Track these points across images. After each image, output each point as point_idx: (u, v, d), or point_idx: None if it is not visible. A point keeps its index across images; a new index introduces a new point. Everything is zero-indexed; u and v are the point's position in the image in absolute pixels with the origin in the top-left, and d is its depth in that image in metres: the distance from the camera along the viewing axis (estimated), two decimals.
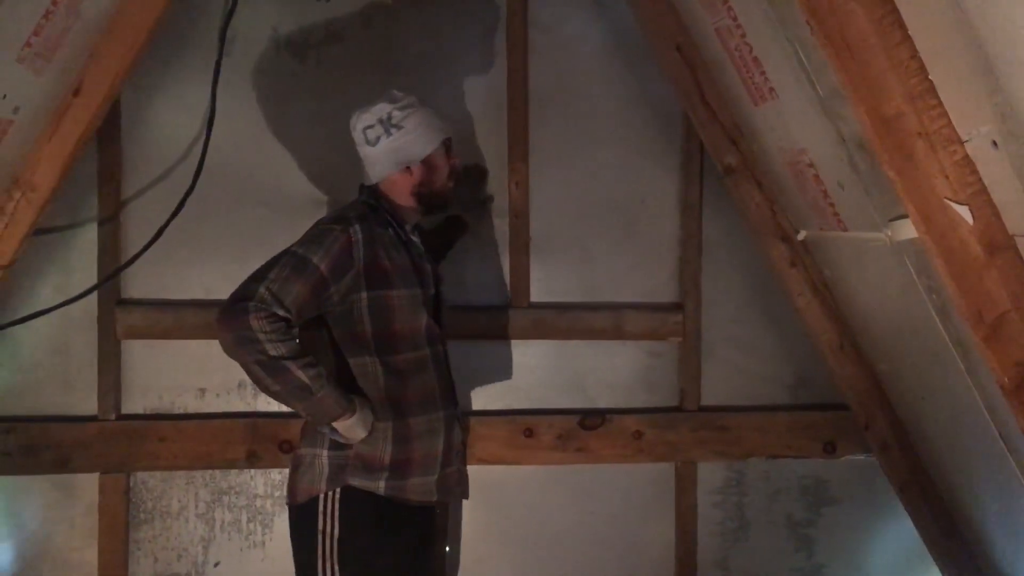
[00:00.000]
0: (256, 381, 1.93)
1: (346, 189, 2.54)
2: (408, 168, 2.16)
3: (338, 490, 2.04)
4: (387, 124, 2.15)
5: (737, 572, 2.86)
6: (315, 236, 2.02)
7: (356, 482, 2.04)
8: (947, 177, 1.56)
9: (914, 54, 1.52)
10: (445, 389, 2.19)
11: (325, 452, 2.06)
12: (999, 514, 2.38)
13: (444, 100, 2.67)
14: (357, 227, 2.03)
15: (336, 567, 2.02)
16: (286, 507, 2.61)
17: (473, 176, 2.68)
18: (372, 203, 2.16)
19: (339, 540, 2.02)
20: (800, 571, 2.88)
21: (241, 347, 1.87)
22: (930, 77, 1.53)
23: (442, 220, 2.59)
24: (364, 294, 2.03)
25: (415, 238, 2.21)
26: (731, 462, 2.83)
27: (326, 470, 2.05)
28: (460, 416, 2.27)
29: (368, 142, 2.16)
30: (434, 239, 2.50)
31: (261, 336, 1.85)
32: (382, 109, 2.15)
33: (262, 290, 1.88)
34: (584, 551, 2.81)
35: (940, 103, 1.53)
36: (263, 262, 1.97)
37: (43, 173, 2.31)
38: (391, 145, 2.15)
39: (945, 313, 1.97)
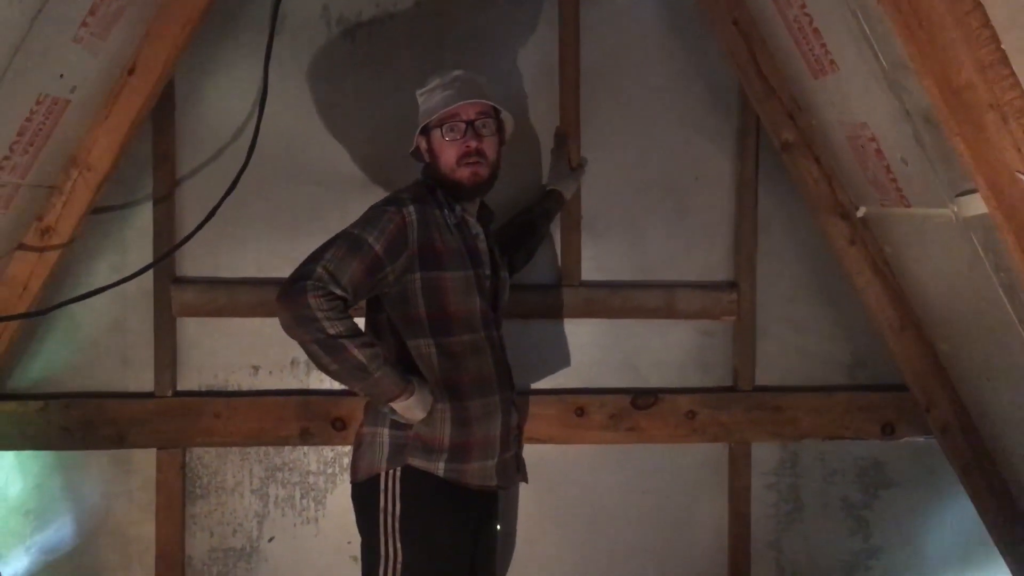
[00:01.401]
0: (315, 360, 1.94)
1: (397, 167, 2.54)
2: (422, 139, 2.17)
3: (398, 469, 2.04)
4: (422, 94, 2.20)
5: (791, 554, 2.82)
6: (370, 217, 2.02)
7: (416, 462, 2.04)
8: (1019, 150, 1.50)
9: (985, 22, 1.46)
10: (501, 373, 2.18)
11: (386, 431, 2.07)
12: None
13: (495, 77, 2.64)
14: (411, 208, 2.03)
15: (398, 544, 2.02)
16: (338, 483, 2.67)
17: (556, 142, 2.66)
18: (429, 183, 2.15)
19: (400, 518, 2.03)
20: (856, 554, 2.83)
21: (300, 326, 1.88)
22: (1002, 47, 1.47)
23: (540, 195, 2.59)
24: (418, 275, 2.02)
25: (471, 219, 2.18)
26: (786, 443, 2.79)
27: (386, 449, 2.06)
28: (516, 401, 2.25)
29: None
30: (534, 214, 2.53)
31: (319, 315, 1.85)
32: (433, 80, 2.17)
33: (319, 270, 1.89)
34: (636, 531, 2.79)
35: (1012, 73, 1.47)
36: (315, 241, 1.98)
37: (99, 152, 2.35)
38: (421, 111, 2.19)
39: (1013, 291, 1.91)
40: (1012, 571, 2.63)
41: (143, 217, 2.62)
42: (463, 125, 2.10)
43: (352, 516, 2.14)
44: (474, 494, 2.12)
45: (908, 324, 2.55)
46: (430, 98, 2.15)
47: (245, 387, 2.68)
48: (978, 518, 2.65)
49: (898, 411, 2.73)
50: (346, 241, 1.96)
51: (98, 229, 2.58)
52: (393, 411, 2.02)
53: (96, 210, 2.47)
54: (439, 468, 2.05)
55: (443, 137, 2.10)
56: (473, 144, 2.09)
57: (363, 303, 2.08)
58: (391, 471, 2.04)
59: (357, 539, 2.13)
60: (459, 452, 2.07)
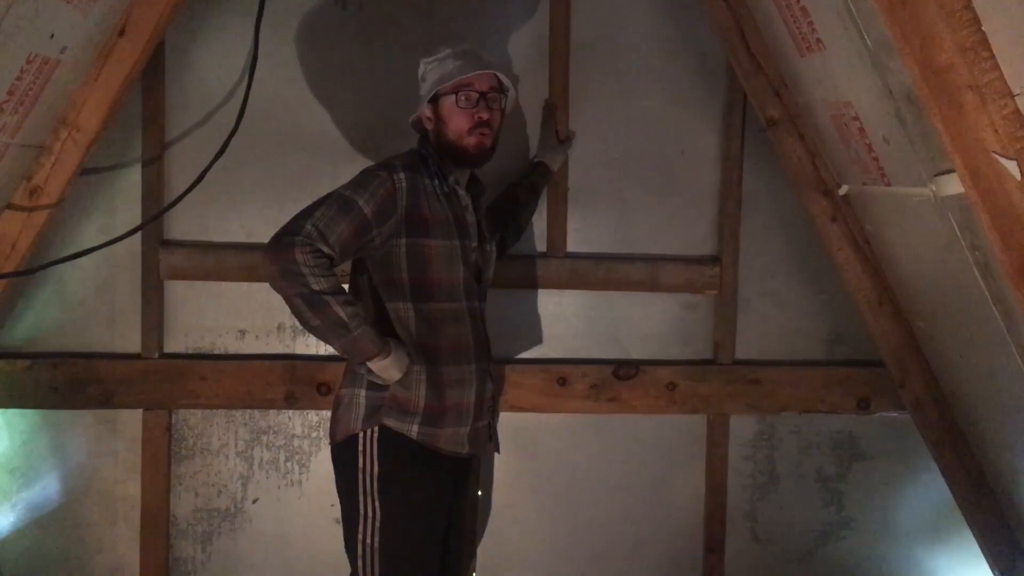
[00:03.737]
0: (297, 315, 1.97)
1: (387, 134, 2.56)
2: (429, 108, 2.20)
3: (375, 429, 2.08)
4: (431, 62, 2.22)
5: (765, 524, 2.88)
6: (361, 180, 2.06)
7: (391, 423, 2.08)
8: (996, 131, 1.54)
9: (967, 4, 1.49)
10: (479, 344, 2.21)
11: (363, 392, 2.10)
12: None
13: (486, 48, 2.66)
14: (402, 175, 2.06)
15: (376, 503, 2.07)
16: (322, 447, 2.70)
17: (544, 115, 2.68)
18: (423, 152, 2.19)
19: (378, 477, 2.07)
20: (829, 524, 2.89)
21: (285, 279, 1.91)
22: (983, 29, 1.50)
23: (528, 168, 2.62)
24: (403, 240, 2.06)
25: (461, 191, 2.20)
26: (763, 416, 2.84)
27: (362, 410, 2.10)
28: (492, 371, 2.29)
29: (421, 79, 2.25)
30: (521, 188, 2.56)
31: (305, 270, 1.89)
32: (443, 50, 2.21)
33: (308, 226, 1.92)
34: (614, 500, 2.84)
35: (992, 55, 1.50)
36: (304, 206, 2.00)
37: (89, 114, 2.34)
38: (425, 82, 2.23)
39: (988, 270, 1.95)
40: (980, 542, 2.70)
41: (132, 179, 2.62)
42: (476, 95, 2.15)
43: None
44: (447, 459, 2.16)
45: (885, 301, 2.60)
46: (441, 66, 2.19)
47: (231, 351, 2.71)
48: (948, 491, 2.71)
49: (873, 386, 2.78)
50: (336, 201, 1.99)
51: (87, 190, 2.59)
52: (370, 371, 2.06)
53: (85, 171, 2.47)
54: (413, 430, 2.09)
55: (456, 104, 2.15)
56: (485, 115, 2.16)
57: (347, 264, 2.11)
58: (368, 431, 2.08)
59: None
60: (432, 416, 2.10)
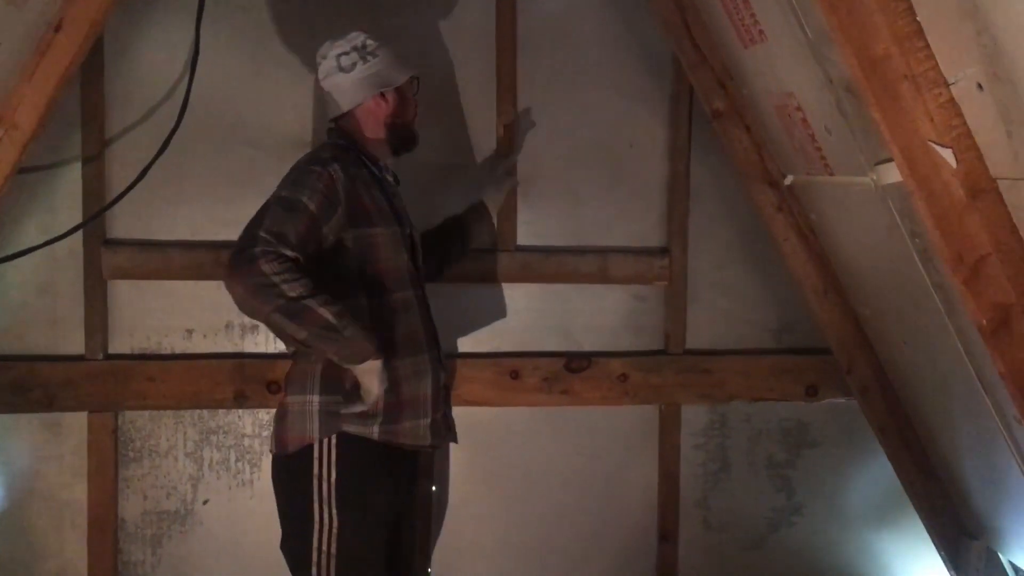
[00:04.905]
0: (280, 332, 1.90)
1: None
2: (383, 95, 2.19)
3: (333, 436, 2.02)
4: (362, 51, 2.19)
5: (718, 512, 2.91)
6: (297, 179, 2.02)
7: (351, 428, 2.03)
8: (932, 120, 1.56)
9: None
10: (428, 331, 2.19)
11: (316, 399, 2.04)
12: (976, 457, 2.43)
13: (431, 40, 2.65)
14: (336, 166, 2.04)
15: (334, 510, 2.01)
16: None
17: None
18: (343, 143, 2.17)
19: (336, 483, 2.01)
20: (780, 511, 2.93)
21: (257, 297, 1.82)
22: (918, 19, 1.52)
23: (465, 210, 2.59)
24: (350, 232, 2.03)
25: (389, 176, 2.22)
26: (714, 405, 2.86)
27: (317, 418, 2.03)
28: (444, 359, 2.28)
29: (342, 69, 2.17)
30: (452, 231, 2.55)
31: (276, 279, 1.81)
32: (356, 37, 2.20)
33: (263, 234, 1.85)
34: (568, 491, 2.85)
35: (927, 45, 1.53)
36: (249, 203, 1.97)
37: (25, 111, 2.28)
38: (368, 71, 2.19)
39: (927, 256, 1.99)
40: (926, 524, 2.75)
41: (72, 178, 2.56)
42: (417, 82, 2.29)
43: None
44: (408, 454, 2.14)
45: (831, 289, 2.64)
46: (384, 57, 2.21)
47: (179, 351, 2.66)
48: (894, 475, 2.76)
49: (821, 374, 2.82)
50: (280, 205, 1.95)
51: (26, 189, 2.52)
52: (354, 388, 2.00)
53: (23, 170, 2.41)
54: (374, 431, 2.05)
55: (408, 94, 2.25)
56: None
57: None
58: (325, 440, 2.03)
59: None
60: (391, 413, 2.07)
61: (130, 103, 2.57)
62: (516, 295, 2.77)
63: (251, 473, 2.72)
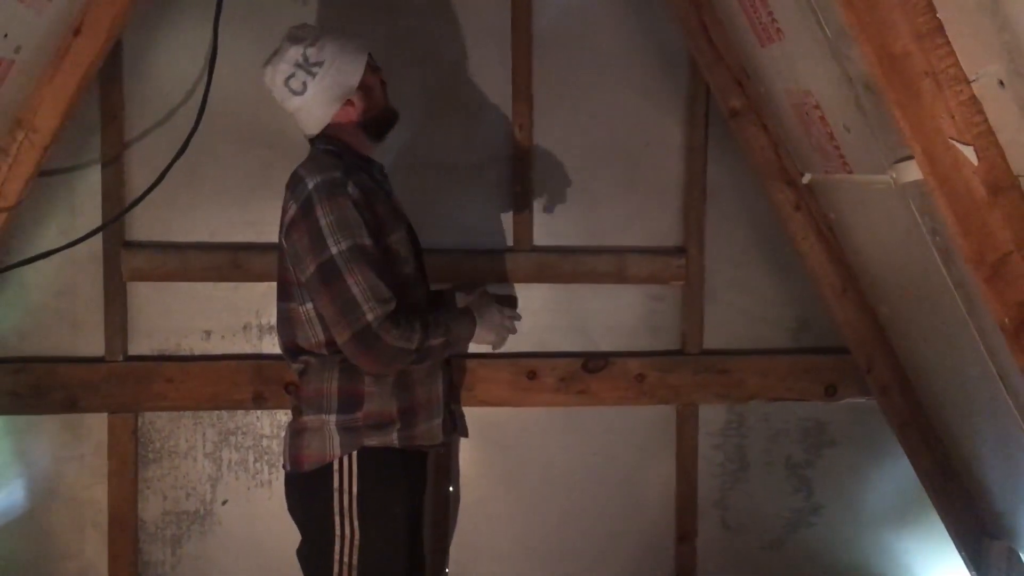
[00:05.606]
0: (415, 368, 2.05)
1: None
2: (349, 101, 2.06)
3: (354, 453, 2.01)
4: (307, 66, 2.01)
5: (736, 512, 2.90)
6: (337, 218, 1.92)
7: (373, 442, 2.02)
8: (953, 117, 1.56)
9: None
10: None
11: (333, 418, 2.01)
12: (997, 456, 2.41)
13: (447, 41, 2.66)
14: (350, 183, 1.96)
15: (356, 523, 1.99)
16: None
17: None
18: (334, 149, 2.07)
19: (358, 495, 2.00)
20: (798, 511, 2.92)
21: (393, 364, 1.96)
22: (938, 15, 1.51)
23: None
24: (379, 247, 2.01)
25: (379, 176, 2.16)
26: (732, 405, 2.85)
27: (336, 436, 2.01)
28: (450, 357, 2.26)
29: (295, 92, 2.02)
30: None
31: (401, 343, 1.93)
32: (294, 53, 2.01)
33: (366, 307, 1.89)
34: (585, 492, 2.85)
35: (948, 42, 1.52)
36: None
37: (45, 114, 2.30)
38: (321, 84, 2.02)
39: (948, 255, 1.97)
40: (946, 525, 2.73)
41: (92, 180, 2.59)
42: (371, 58, 2.13)
43: None
44: (425, 456, 2.15)
45: (850, 288, 2.62)
46: (331, 59, 2.03)
47: (197, 352, 2.68)
48: (914, 475, 2.74)
49: (840, 373, 2.80)
50: (352, 260, 1.90)
51: (46, 192, 2.54)
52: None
53: (43, 173, 2.43)
54: (394, 439, 2.04)
55: (371, 81, 2.10)
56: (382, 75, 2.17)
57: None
58: (345, 456, 2.01)
59: None
60: (407, 418, 2.06)
61: (149, 106, 2.59)
62: (533, 295, 2.77)
63: (269, 474, 2.73)
